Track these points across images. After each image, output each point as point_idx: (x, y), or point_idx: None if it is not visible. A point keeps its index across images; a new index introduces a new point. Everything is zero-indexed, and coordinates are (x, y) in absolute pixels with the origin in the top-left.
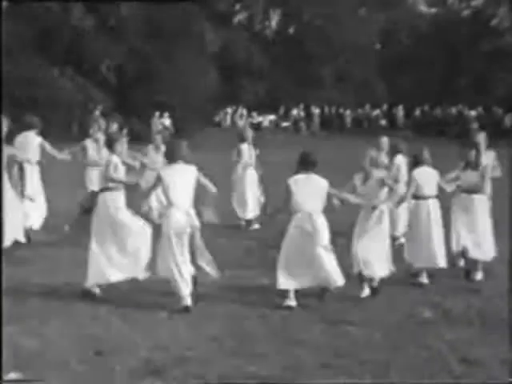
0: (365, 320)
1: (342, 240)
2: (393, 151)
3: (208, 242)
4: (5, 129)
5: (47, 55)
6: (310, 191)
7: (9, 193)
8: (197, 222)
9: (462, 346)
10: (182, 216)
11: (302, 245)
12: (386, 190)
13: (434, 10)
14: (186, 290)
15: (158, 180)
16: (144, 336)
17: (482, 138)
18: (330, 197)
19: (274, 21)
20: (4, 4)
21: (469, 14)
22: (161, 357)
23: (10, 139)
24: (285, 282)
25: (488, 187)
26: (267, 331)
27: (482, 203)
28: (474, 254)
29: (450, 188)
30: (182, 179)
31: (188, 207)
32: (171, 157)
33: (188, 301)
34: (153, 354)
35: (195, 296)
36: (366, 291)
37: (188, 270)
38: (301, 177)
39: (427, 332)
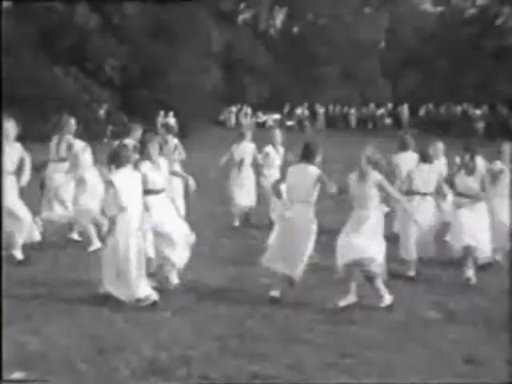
0: (368, 320)
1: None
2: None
3: (210, 241)
4: (12, 132)
5: (51, 54)
6: (299, 181)
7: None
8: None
9: (467, 345)
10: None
11: (283, 232)
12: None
13: (439, 9)
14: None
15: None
16: (147, 335)
17: (507, 149)
18: (324, 186)
19: (279, 20)
20: (7, 3)
21: (474, 13)
22: (164, 356)
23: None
24: (265, 260)
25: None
26: (270, 330)
27: (480, 209)
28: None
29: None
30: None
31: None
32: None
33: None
34: (156, 353)
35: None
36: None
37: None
38: (296, 166)
39: (431, 332)
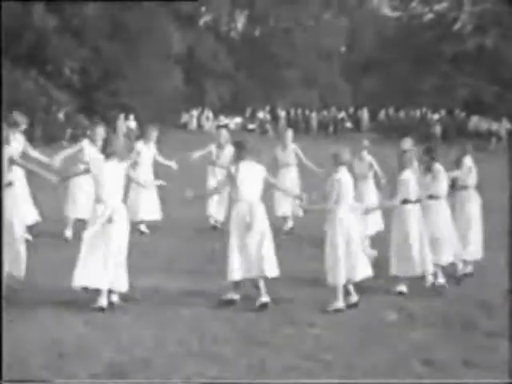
0: (329, 322)
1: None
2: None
3: (172, 245)
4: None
5: (10, 56)
6: (251, 179)
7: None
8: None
9: (425, 347)
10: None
11: (243, 234)
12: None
13: (397, 14)
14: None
15: None
16: (107, 339)
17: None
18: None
19: (240, 23)
20: None
21: (432, 19)
22: (124, 360)
23: None
24: (230, 273)
25: (442, 190)
26: (232, 333)
27: (439, 208)
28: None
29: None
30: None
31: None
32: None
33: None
34: (116, 357)
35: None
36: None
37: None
38: (243, 164)
39: (391, 334)
